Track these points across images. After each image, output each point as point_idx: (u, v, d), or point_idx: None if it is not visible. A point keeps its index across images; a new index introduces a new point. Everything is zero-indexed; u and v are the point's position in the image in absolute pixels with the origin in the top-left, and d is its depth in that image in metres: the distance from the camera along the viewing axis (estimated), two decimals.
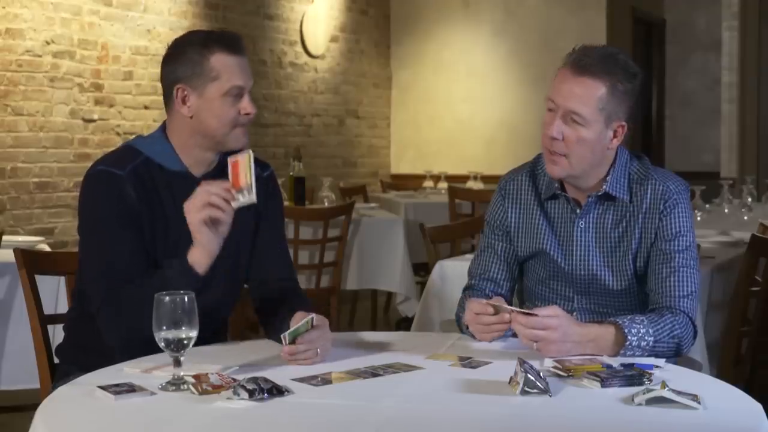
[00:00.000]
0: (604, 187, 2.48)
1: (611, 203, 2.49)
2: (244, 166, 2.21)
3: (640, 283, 2.50)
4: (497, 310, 2.26)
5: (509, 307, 2.28)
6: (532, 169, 2.60)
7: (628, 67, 2.43)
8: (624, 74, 2.41)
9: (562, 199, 2.53)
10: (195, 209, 2.23)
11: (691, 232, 2.46)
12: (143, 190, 2.36)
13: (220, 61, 2.36)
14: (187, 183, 2.35)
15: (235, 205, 2.22)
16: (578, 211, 2.51)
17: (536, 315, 2.17)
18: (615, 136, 2.44)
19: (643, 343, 2.25)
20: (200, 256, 2.26)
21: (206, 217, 2.22)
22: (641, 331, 2.26)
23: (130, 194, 2.34)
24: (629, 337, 2.24)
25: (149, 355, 2.16)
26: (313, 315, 2.17)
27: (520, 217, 2.58)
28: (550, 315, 2.17)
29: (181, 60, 2.38)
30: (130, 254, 2.31)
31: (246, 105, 2.39)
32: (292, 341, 2.14)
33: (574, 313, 2.52)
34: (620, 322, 2.26)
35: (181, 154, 2.41)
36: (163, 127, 2.46)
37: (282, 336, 2.14)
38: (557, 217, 2.54)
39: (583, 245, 2.51)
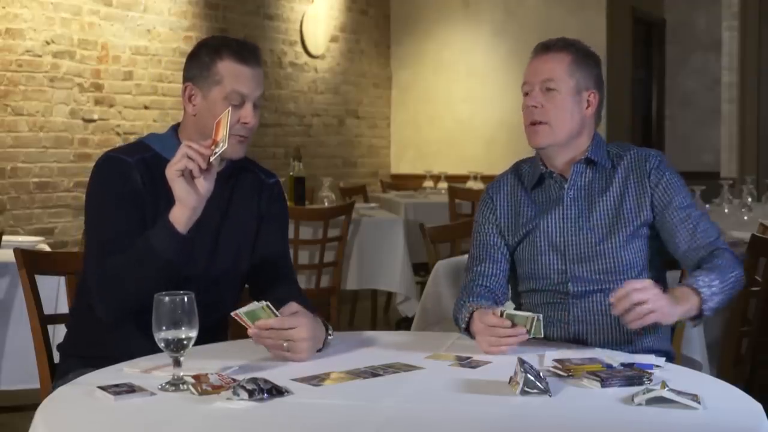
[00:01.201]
0: (587, 153, 2.61)
1: (596, 171, 2.61)
2: (224, 122, 2.23)
3: (630, 245, 2.56)
4: (513, 322, 2.24)
5: (526, 313, 2.24)
6: (516, 169, 2.74)
7: (588, 50, 2.66)
8: (586, 53, 2.64)
9: (549, 180, 2.64)
10: (172, 164, 2.24)
11: (686, 188, 2.64)
12: (149, 180, 2.40)
13: (227, 67, 2.41)
14: None
15: (213, 158, 2.23)
16: (566, 184, 2.61)
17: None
18: (589, 105, 2.62)
19: (714, 288, 2.36)
20: (179, 211, 2.26)
21: (183, 167, 2.22)
22: (705, 279, 2.36)
23: (136, 180, 2.39)
24: (701, 290, 2.33)
25: (143, 335, 2.12)
26: (267, 302, 2.15)
27: (508, 207, 2.68)
28: (632, 281, 2.24)
29: (195, 60, 2.46)
30: (128, 233, 2.33)
31: (246, 114, 2.42)
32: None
33: (569, 284, 2.56)
34: (684, 282, 2.39)
35: None
36: (176, 127, 2.53)
37: (233, 313, 2.14)
38: (545, 199, 2.64)
39: (574, 214, 2.59)
